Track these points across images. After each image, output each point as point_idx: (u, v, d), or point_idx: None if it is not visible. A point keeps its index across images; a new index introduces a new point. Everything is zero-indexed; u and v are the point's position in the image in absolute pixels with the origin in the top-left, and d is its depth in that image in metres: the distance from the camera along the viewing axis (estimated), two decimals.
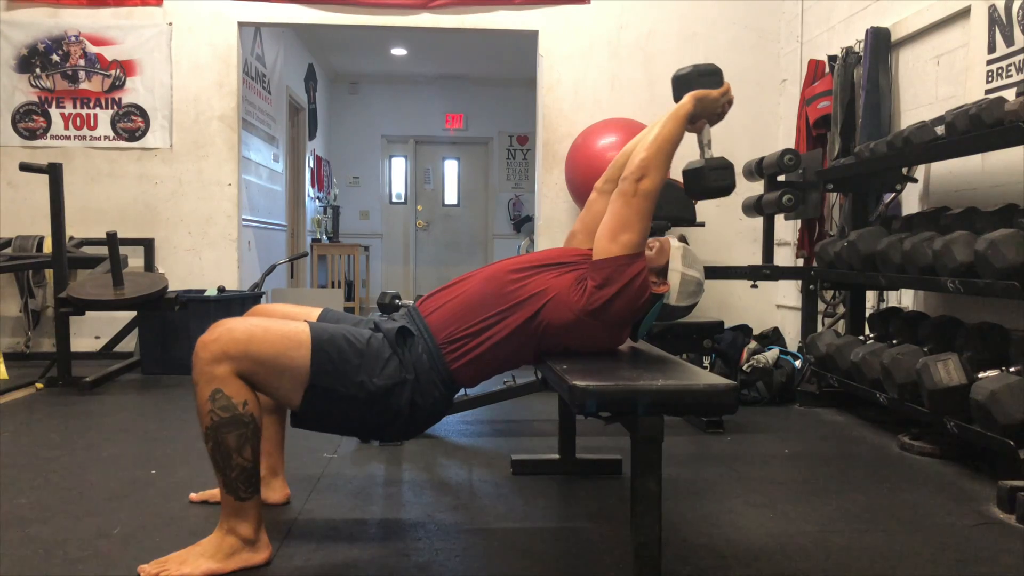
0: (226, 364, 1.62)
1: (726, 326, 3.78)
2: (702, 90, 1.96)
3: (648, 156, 1.85)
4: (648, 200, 1.85)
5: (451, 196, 9.91)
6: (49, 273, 4.48)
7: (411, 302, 2.00)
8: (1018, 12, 2.89)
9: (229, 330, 1.65)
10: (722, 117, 2.03)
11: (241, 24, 4.90)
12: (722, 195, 2.02)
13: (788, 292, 4.81)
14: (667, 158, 1.88)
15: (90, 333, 4.76)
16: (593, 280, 1.83)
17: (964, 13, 3.22)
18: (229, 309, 4.26)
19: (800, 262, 4.42)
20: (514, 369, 1.98)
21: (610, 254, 1.83)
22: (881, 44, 3.70)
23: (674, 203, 4.10)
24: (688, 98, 1.95)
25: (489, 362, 1.84)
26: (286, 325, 1.72)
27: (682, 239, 2.09)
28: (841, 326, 3.84)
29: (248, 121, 5.54)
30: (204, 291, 4.56)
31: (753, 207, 4.12)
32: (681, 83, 2.01)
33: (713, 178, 1.99)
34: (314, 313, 1.97)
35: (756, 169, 4.08)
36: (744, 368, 3.63)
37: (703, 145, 2.05)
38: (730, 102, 2.00)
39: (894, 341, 3.02)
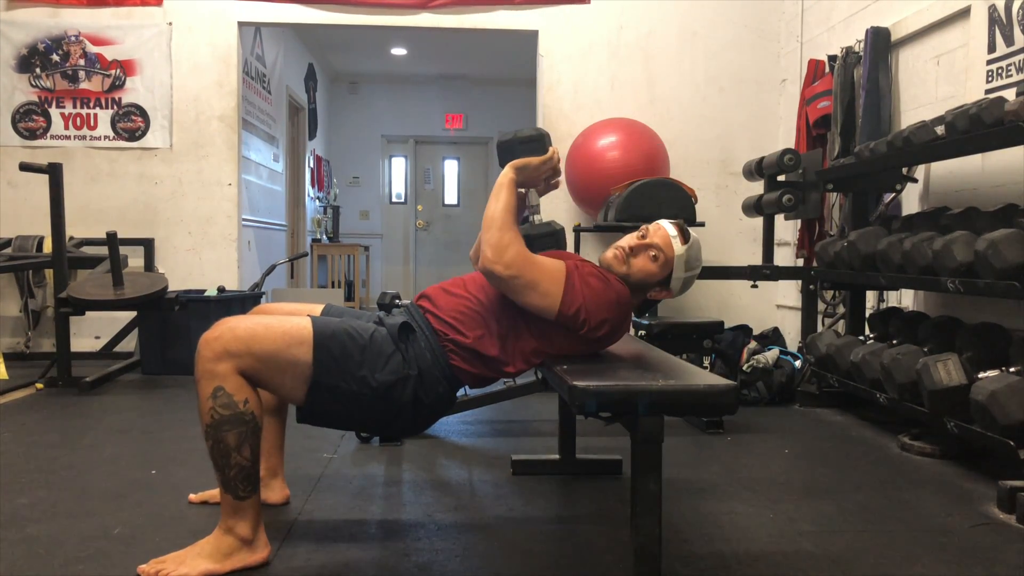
0: (228, 362, 1.62)
1: (726, 326, 3.77)
2: (522, 159, 1.85)
3: (493, 240, 1.73)
4: (520, 264, 1.72)
5: (451, 196, 9.91)
6: (49, 273, 4.48)
7: (410, 302, 1.99)
8: (1018, 12, 2.89)
9: (231, 328, 1.66)
10: (549, 184, 1.92)
11: (241, 24, 4.90)
12: None
13: (788, 292, 4.80)
14: (511, 225, 1.77)
15: (90, 333, 4.76)
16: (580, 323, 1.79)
17: (964, 13, 3.22)
18: (229, 309, 4.25)
19: (800, 262, 4.42)
20: None
21: (570, 312, 1.76)
22: (881, 44, 3.70)
23: (672, 203, 4.10)
24: (508, 168, 1.84)
25: None
26: (288, 321, 1.72)
27: (682, 227, 1.98)
28: (841, 326, 3.84)
29: (248, 121, 5.54)
30: (204, 291, 4.56)
31: (753, 207, 4.12)
32: (503, 150, 1.88)
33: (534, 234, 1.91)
34: (317, 309, 1.97)
35: (756, 169, 4.08)
36: (744, 368, 3.63)
37: (530, 211, 1.93)
38: (556, 169, 1.89)
39: (894, 341, 3.02)
